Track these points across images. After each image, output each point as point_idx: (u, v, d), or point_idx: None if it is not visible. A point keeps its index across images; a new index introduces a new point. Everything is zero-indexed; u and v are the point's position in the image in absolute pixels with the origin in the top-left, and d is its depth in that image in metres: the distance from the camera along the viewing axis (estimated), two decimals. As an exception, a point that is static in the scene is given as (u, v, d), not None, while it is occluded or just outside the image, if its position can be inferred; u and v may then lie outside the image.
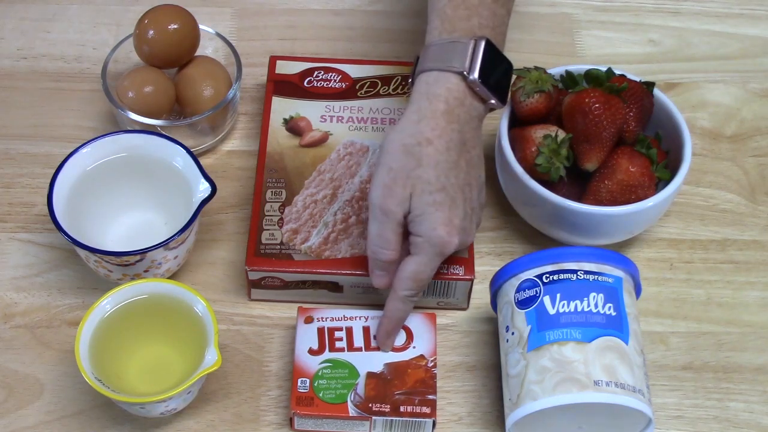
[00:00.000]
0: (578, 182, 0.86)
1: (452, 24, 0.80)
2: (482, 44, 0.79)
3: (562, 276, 0.77)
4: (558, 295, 0.77)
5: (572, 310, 0.76)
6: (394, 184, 0.77)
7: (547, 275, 0.78)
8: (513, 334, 0.78)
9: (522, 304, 0.78)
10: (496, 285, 0.81)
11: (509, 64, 0.82)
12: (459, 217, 0.78)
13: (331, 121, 0.93)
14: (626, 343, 0.75)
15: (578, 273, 0.77)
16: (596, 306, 0.76)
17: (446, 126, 0.77)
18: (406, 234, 0.79)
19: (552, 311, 0.76)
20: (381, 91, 0.95)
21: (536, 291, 0.78)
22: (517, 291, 0.79)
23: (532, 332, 0.76)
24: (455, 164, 0.77)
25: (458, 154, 0.78)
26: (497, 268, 0.83)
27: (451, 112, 0.78)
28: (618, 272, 0.78)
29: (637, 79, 0.89)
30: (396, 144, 0.78)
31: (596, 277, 0.77)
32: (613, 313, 0.76)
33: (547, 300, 0.77)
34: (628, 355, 0.75)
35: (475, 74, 0.78)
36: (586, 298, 0.76)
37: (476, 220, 0.82)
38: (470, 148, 0.79)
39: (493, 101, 0.80)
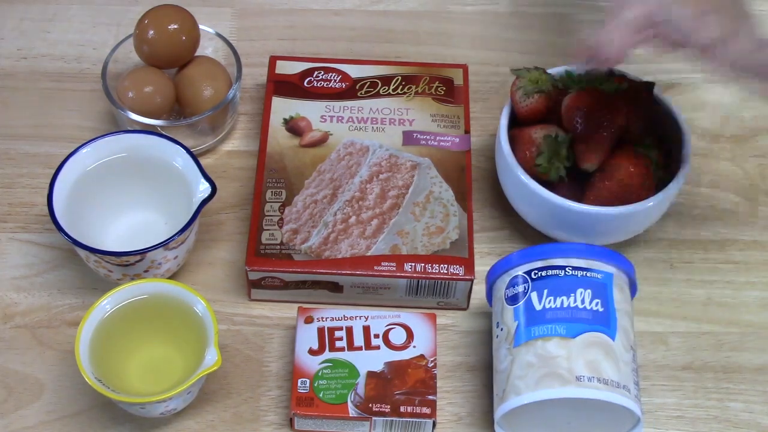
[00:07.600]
0: (578, 182, 0.86)
1: None
2: None
3: (550, 272, 0.77)
4: (545, 291, 0.76)
5: (558, 305, 0.76)
6: None
7: (536, 271, 0.78)
8: (502, 330, 0.78)
9: (511, 300, 0.78)
10: (489, 282, 0.81)
11: None
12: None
13: (331, 121, 0.92)
14: (613, 339, 0.75)
15: (566, 269, 0.77)
16: (583, 302, 0.76)
17: None
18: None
19: (538, 307, 0.76)
20: (381, 91, 0.95)
21: (525, 287, 0.77)
22: (507, 287, 0.79)
23: (519, 328, 0.76)
24: None
25: None
26: (497, 268, 0.83)
27: None
28: (608, 268, 0.78)
29: (637, 79, 0.89)
30: None
31: (585, 273, 0.77)
32: (601, 309, 0.75)
33: (534, 296, 0.77)
34: (614, 351, 0.74)
35: None
36: (573, 294, 0.76)
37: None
38: None
39: None
